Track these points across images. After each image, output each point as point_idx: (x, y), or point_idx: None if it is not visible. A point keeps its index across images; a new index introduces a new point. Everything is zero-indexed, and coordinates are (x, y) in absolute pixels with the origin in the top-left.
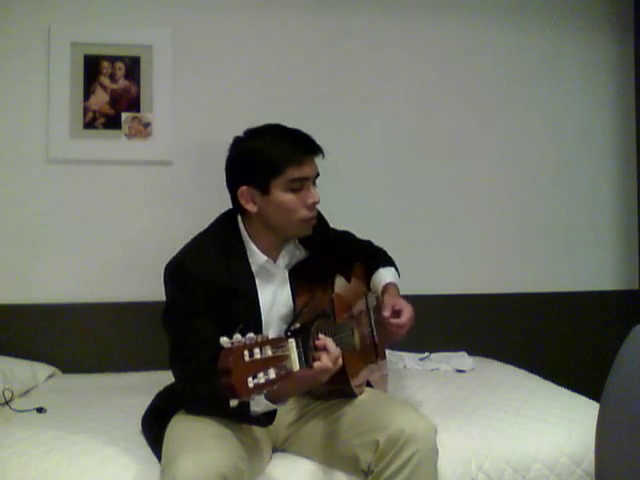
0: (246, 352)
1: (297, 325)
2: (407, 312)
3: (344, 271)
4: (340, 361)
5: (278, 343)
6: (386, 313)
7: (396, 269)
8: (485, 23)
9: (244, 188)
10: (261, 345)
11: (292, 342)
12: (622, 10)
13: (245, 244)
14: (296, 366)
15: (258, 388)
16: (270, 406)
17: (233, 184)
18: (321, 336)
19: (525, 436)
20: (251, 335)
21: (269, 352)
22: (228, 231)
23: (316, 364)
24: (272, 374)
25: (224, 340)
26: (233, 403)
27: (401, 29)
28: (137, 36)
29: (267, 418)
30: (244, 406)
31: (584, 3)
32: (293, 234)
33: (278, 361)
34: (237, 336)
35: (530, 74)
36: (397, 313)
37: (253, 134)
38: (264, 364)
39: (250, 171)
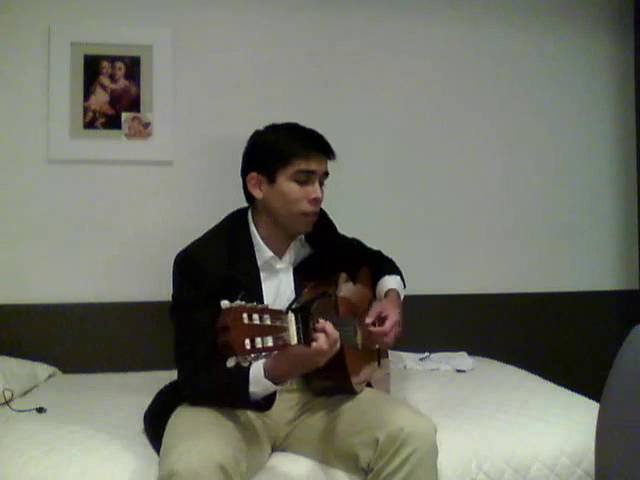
0: (245, 315)
1: (298, 304)
2: (391, 320)
3: (350, 272)
4: (338, 345)
5: (278, 315)
6: (368, 320)
7: (402, 279)
8: (486, 23)
9: (253, 174)
10: (261, 312)
11: (292, 316)
12: (622, 11)
13: (252, 239)
14: (294, 340)
15: (254, 351)
16: (269, 387)
17: (245, 171)
18: (321, 320)
19: (525, 436)
20: (252, 303)
21: (268, 321)
22: (237, 226)
23: (313, 344)
24: (269, 342)
25: (224, 303)
26: (230, 363)
27: (402, 29)
28: (137, 36)
29: (266, 403)
30: (244, 386)
31: (584, 4)
32: (293, 227)
33: (276, 331)
34: (238, 301)
35: (530, 75)
36: (383, 320)
37: (270, 128)
38: (262, 330)
39: (260, 159)
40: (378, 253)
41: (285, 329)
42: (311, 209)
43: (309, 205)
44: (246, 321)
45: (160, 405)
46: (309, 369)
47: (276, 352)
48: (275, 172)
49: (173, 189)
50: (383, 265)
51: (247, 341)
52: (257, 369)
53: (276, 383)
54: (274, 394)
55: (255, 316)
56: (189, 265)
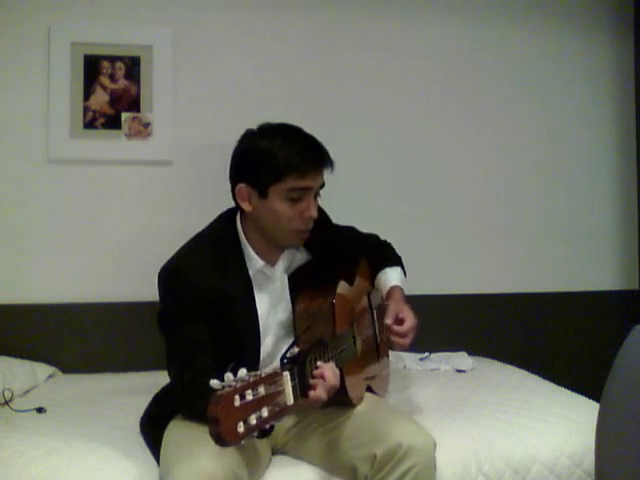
0: (237, 397)
1: (295, 351)
2: (410, 321)
3: (348, 272)
4: (337, 387)
5: (272, 379)
6: (388, 320)
7: (402, 267)
8: (486, 23)
9: (242, 186)
10: (253, 385)
11: (287, 376)
12: (622, 10)
13: (242, 247)
14: (290, 400)
15: (249, 431)
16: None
17: (234, 179)
18: (320, 363)
19: (525, 436)
20: (243, 374)
21: (262, 391)
22: (225, 233)
23: (311, 393)
24: (265, 413)
25: (214, 383)
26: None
27: (402, 29)
28: (137, 36)
29: (262, 433)
30: None
31: (585, 4)
32: (283, 242)
33: (272, 398)
34: (229, 376)
35: (530, 74)
36: (400, 321)
37: (265, 132)
38: (257, 405)
39: (252, 171)
40: (375, 239)
41: (281, 392)
42: (303, 227)
43: (302, 223)
44: (238, 403)
45: (156, 410)
46: (306, 411)
47: None
48: (267, 187)
49: (173, 189)
50: (382, 254)
51: (240, 424)
52: None
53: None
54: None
55: (248, 392)
56: (175, 279)
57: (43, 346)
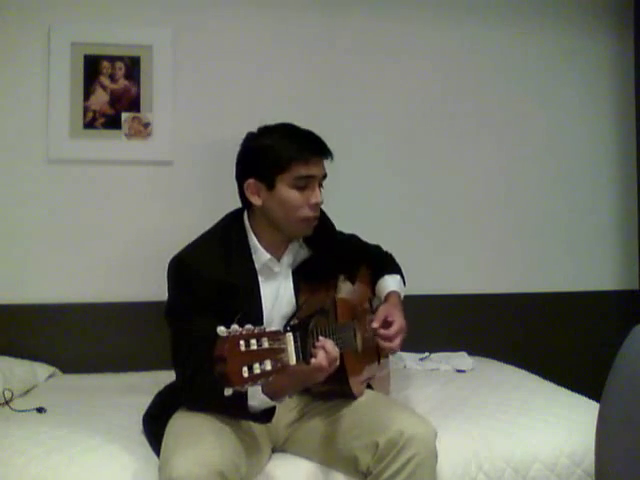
0: (242, 342)
1: (296, 321)
2: (397, 324)
3: (349, 273)
4: (337, 363)
5: (276, 336)
6: (375, 324)
7: (402, 277)
8: (486, 24)
9: (251, 181)
10: (258, 336)
11: (290, 336)
12: (622, 10)
13: (249, 241)
14: (292, 360)
15: (253, 378)
16: (267, 402)
17: (241, 177)
18: (321, 338)
19: (525, 436)
20: (249, 326)
21: (266, 344)
22: (233, 229)
23: (312, 361)
24: (268, 365)
25: (221, 329)
26: (227, 392)
27: (402, 29)
28: (137, 36)
29: (266, 416)
30: (241, 401)
31: (584, 3)
32: (293, 232)
33: (274, 353)
34: (234, 326)
35: (531, 75)
36: (388, 324)
37: (265, 130)
38: (260, 355)
39: (258, 165)
40: (377, 249)
41: (283, 350)
42: (312, 214)
43: (310, 210)
44: (243, 348)
45: (158, 407)
46: (308, 385)
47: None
48: (274, 178)
49: (173, 189)
50: (383, 262)
51: (245, 369)
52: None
53: (274, 398)
54: (273, 407)
55: (253, 341)
56: (184, 269)
57: (43, 346)
